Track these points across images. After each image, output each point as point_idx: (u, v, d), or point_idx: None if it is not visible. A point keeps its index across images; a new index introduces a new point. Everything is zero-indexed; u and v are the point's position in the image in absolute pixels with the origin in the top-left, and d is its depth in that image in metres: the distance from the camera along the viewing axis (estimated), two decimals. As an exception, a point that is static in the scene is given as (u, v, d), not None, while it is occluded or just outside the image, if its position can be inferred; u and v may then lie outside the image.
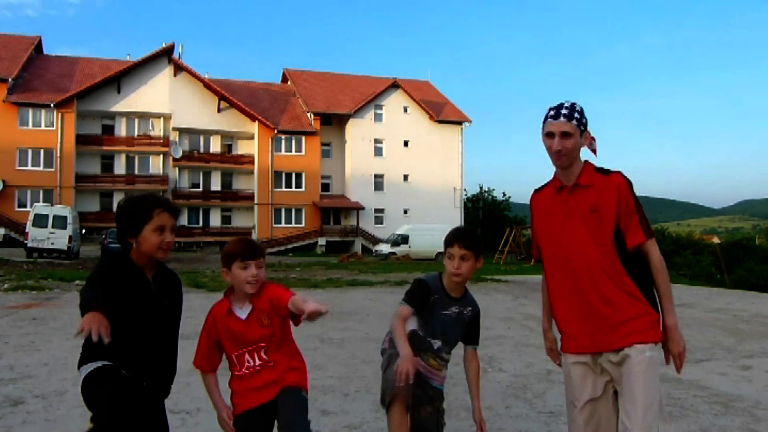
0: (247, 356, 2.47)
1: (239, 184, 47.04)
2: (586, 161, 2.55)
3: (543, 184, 2.68)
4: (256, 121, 45.33)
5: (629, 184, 2.45)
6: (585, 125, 2.50)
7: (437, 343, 2.64)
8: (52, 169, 40.20)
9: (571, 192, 2.50)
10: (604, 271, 2.41)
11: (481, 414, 2.75)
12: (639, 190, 2.56)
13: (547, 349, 2.78)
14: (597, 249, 2.42)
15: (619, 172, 2.50)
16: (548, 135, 2.49)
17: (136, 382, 2.30)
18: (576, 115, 2.47)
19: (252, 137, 46.07)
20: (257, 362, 2.48)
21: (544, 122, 2.52)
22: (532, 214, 2.69)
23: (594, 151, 2.60)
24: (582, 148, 2.53)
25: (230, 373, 2.54)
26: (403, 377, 2.39)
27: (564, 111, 2.47)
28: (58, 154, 40.22)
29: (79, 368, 2.33)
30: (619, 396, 2.42)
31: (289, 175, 46.61)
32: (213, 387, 2.52)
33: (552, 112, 2.49)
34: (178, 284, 2.51)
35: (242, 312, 2.47)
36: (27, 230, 25.44)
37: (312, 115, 47.25)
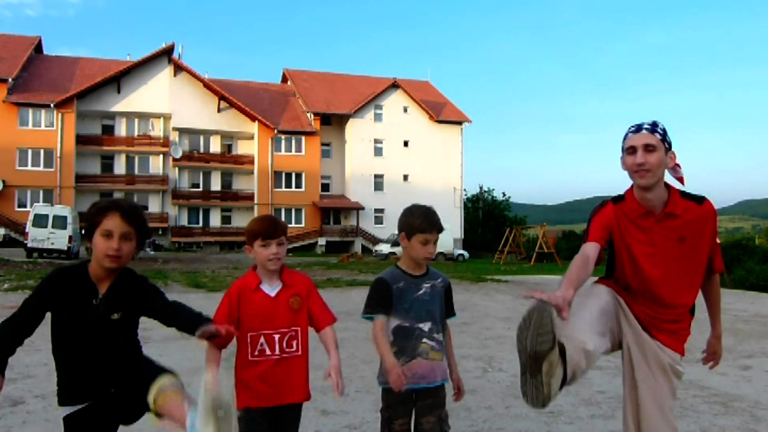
0: (262, 339, 2.41)
1: (239, 184, 47.03)
2: (669, 185, 2.43)
3: (618, 195, 2.52)
4: (256, 121, 45.31)
5: (716, 212, 2.46)
6: (669, 144, 2.37)
7: (427, 325, 2.59)
8: (52, 169, 40.18)
9: (659, 221, 2.39)
10: (682, 299, 2.47)
11: (459, 375, 2.76)
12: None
13: (557, 295, 2.03)
14: (681, 280, 2.43)
15: (709, 201, 2.44)
16: (629, 150, 2.36)
17: (102, 395, 2.19)
18: (659, 130, 2.35)
19: (252, 137, 46.06)
20: (276, 351, 2.42)
21: (624, 140, 2.40)
22: (610, 223, 2.46)
23: (681, 180, 2.48)
24: (666, 171, 2.40)
25: (237, 363, 2.45)
26: (398, 387, 2.46)
27: (646, 125, 2.36)
28: (58, 154, 40.19)
29: (58, 399, 2.27)
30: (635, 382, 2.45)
31: (289, 175, 46.60)
32: (215, 363, 2.35)
33: (633, 128, 2.38)
34: (142, 292, 2.25)
35: (271, 289, 2.46)
36: (27, 230, 25.41)
37: (312, 115, 47.24)
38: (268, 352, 2.41)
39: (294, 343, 2.45)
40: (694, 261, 2.43)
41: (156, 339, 6.51)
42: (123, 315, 2.21)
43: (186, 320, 2.23)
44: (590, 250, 2.37)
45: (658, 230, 2.39)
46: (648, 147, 2.31)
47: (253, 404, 2.39)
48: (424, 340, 2.59)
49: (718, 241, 2.49)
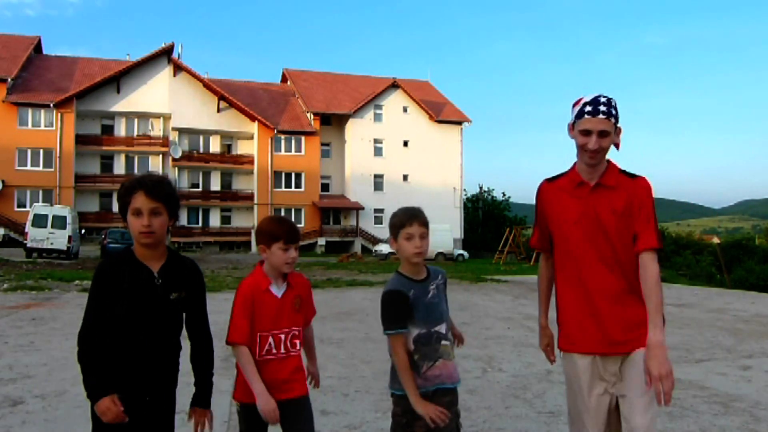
0: (270, 339, 2.45)
1: (239, 184, 47.03)
2: (609, 161, 2.44)
3: (556, 174, 2.56)
4: (256, 121, 45.31)
5: (651, 189, 2.41)
6: (618, 120, 2.37)
7: (443, 327, 2.54)
8: (52, 169, 40.16)
9: (592, 190, 2.40)
10: (619, 274, 2.36)
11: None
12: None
13: (542, 345, 2.73)
14: (615, 252, 2.36)
15: (644, 177, 2.43)
16: (584, 132, 2.34)
17: (137, 402, 2.18)
18: (614, 111, 2.34)
19: (252, 137, 46.06)
20: (281, 350, 2.47)
21: (578, 117, 2.37)
22: (543, 204, 2.55)
23: (617, 146, 2.46)
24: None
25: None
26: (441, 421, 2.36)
27: (603, 108, 2.32)
28: (58, 154, 40.17)
29: None
30: (620, 399, 2.38)
31: (288, 175, 46.60)
32: (255, 367, 2.37)
33: (589, 108, 2.33)
34: (194, 273, 2.33)
35: (278, 290, 2.50)
36: (26, 230, 25.46)
37: (312, 115, 47.24)
38: (274, 351, 2.46)
39: (297, 343, 2.52)
40: (626, 234, 2.36)
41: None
42: (179, 295, 2.26)
43: (198, 371, 2.36)
44: (542, 259, 2.72)
45: (591, 201, 2.39)
46: (603, 133, 2.31)
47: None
48: (443, 341, 2.55)
49: (654, 218, 2.38)
